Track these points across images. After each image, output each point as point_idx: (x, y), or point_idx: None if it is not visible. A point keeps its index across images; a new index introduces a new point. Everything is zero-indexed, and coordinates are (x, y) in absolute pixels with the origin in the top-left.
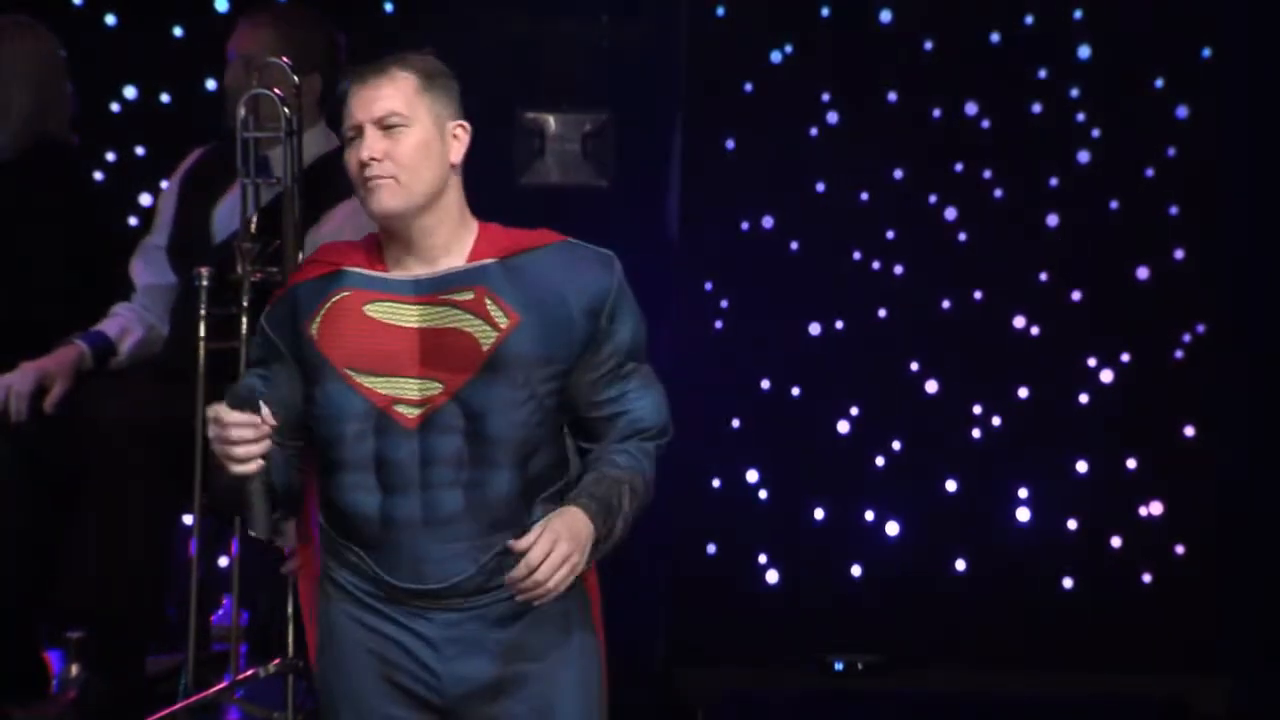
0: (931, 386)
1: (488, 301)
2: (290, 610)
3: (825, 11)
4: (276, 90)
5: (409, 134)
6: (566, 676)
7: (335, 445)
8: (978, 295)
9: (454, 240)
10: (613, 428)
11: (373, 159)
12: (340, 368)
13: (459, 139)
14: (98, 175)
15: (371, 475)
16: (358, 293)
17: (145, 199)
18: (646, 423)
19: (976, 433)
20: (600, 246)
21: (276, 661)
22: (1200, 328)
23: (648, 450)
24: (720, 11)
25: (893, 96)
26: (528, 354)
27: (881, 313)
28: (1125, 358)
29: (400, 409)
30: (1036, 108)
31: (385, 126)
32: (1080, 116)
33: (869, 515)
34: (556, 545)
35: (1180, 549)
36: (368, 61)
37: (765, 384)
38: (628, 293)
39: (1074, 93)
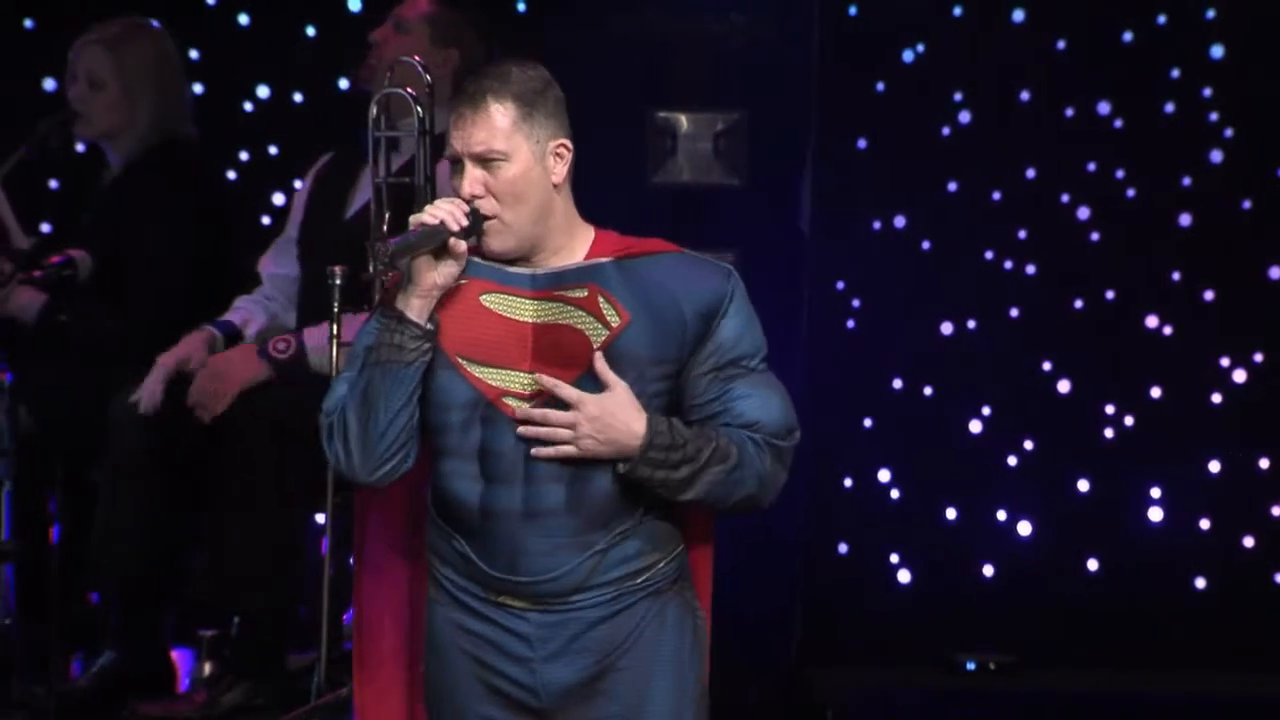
0: (1064, 386)
1: (600, 299)
2: None
3: (958, 11)
4: (409, 89)
5: (508, 168)
6: (661, 677)
7: (442, 432)
8: (1110, 295)
9: (566, 246)
10: (713, 426)
11: (474, 195)
12: (451, 354)
13: (561, 158)
14: (230, 175)
15: (474, 464)
16: (476, 282)
17: (278, 198)
18: (749, 417)
19: (1109, 432)
20: (732, 245)
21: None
22: None
23: (757, 440)
24: (853, 11)
25: (1025, 96)
26: (638, 353)
27: (1014, 312)
28: (1258, 357)
29: (508, 401)
30: (1169, 107)
31: (484, 161)
32: (1213, 116)
33: (1001, 515)
34: (581, 407)
35: None
36: (477, 75)
37: (897, 383)
38: (743, 300)
39: (1206, 92)
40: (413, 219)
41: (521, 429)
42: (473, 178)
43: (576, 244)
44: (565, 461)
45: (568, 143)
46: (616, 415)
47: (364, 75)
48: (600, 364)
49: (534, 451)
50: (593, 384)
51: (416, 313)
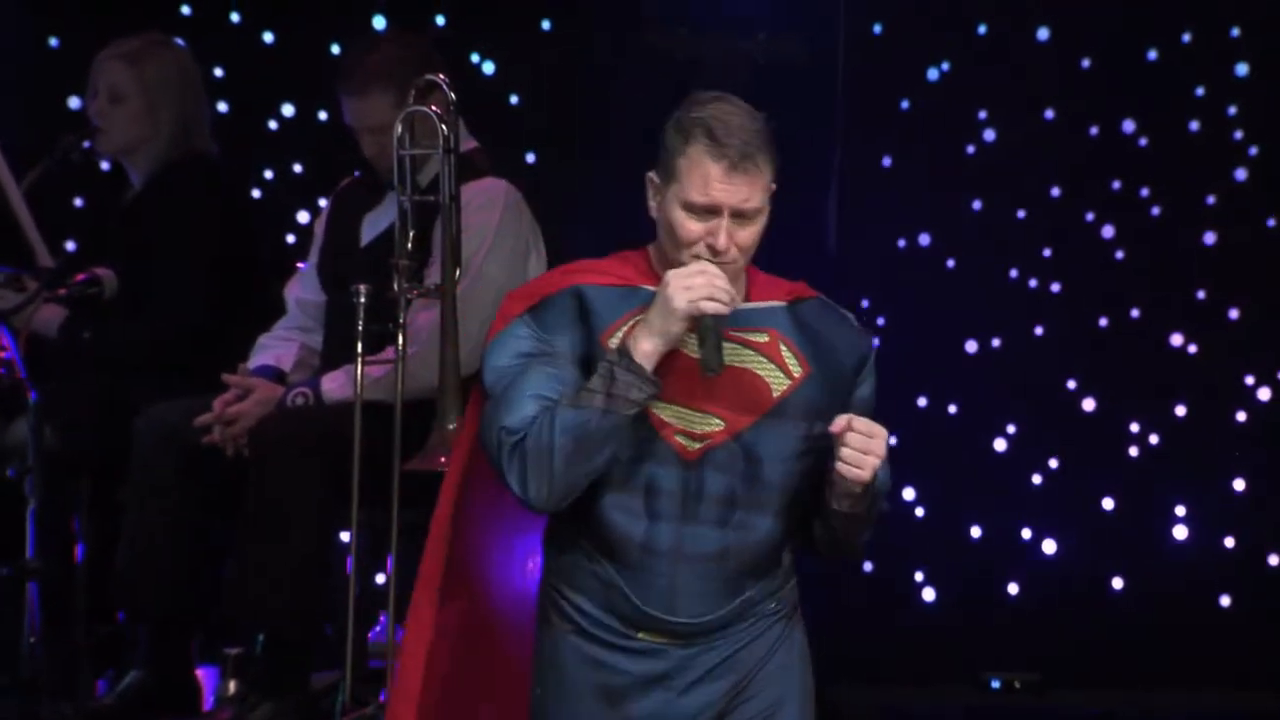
0: (1089, 404)
1: (782, 347)
2: None
3: (982, 29)
4: (434, 107)
5: (760, 222)
6: (790, 701)
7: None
8: (1135, 313)
9: (735, 282)
10: None
11: (725, 249)
12: None
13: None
14: (255, 193)
15: (639, 500)
16: None
17: (303, 216)
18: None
19: (1134, 450)
20: (756, 262)
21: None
22: None
23: (882, 502)
24: (877, 29)
25: (1050, 114)
26: (813, 405)
27: (1038, 330)
28: None
29: (680, 439)
30: (1194, 125)
31: (741, 215)
32: (1238, 134)
33: (1026, 533)
34: (875, 431)
35: None
36: (725, 120)
37: (922, 401)
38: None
39: (1231, 110)
40: (684, 290)
41: (850, 437)
42: (730, 228)
43: (741, 282)
44: (731, 507)
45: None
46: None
47: (380, 160)
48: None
49: (841, 469)
50: (765, 431)
51: (651, 365)
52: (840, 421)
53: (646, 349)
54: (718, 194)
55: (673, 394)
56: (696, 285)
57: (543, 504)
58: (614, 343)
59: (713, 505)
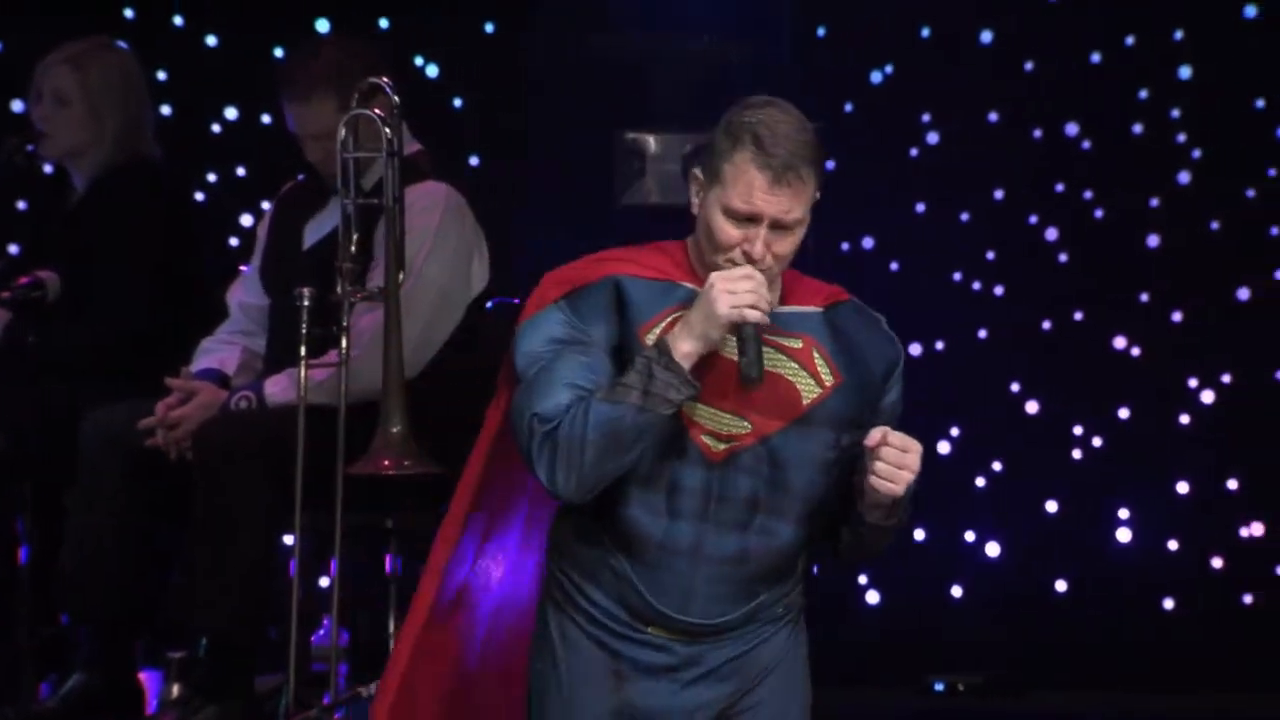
0: (1032, 407)
1: (815, 355)
2: (391, 630)
3: (925, 32)
4: (377, 111)
5: (799, 234)
6: (793, 704)
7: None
8: (1078, 316)
9: (771, 288)
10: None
11: (762, 258)
12: None
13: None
14: (198, 196)
15: (661, 497)
16: None
17: (246, 219)
18: None
19: (1077, 453)
20: None
21: (376, 683)
22: None
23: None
24: (821, 32)
25: (993, 117)
26: (843, 415)
27: (982, 333)
28: (1226, 378)
29: (706, 439)
30: (1137, 128)
31: (781, 225)
32: (1181, 137)
33: (969, 536)
34: (915, 453)
35: None
36: (772, 129)
37: None
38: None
39: (1174, 113)
40: (728, 296)
41: (885, 451)
42: (767, 236)
43: (778, 284)
44: (754, 510)
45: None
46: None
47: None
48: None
49: (874, 483)
50: (793, 438)
51: (690, 366)
52: (875, 435)
53: (686, 350)
54: (760, 204)
55: (703, 394)
56: (740, 291)
57: (570, 495)
58: (651, 339)
59: (735, 508)
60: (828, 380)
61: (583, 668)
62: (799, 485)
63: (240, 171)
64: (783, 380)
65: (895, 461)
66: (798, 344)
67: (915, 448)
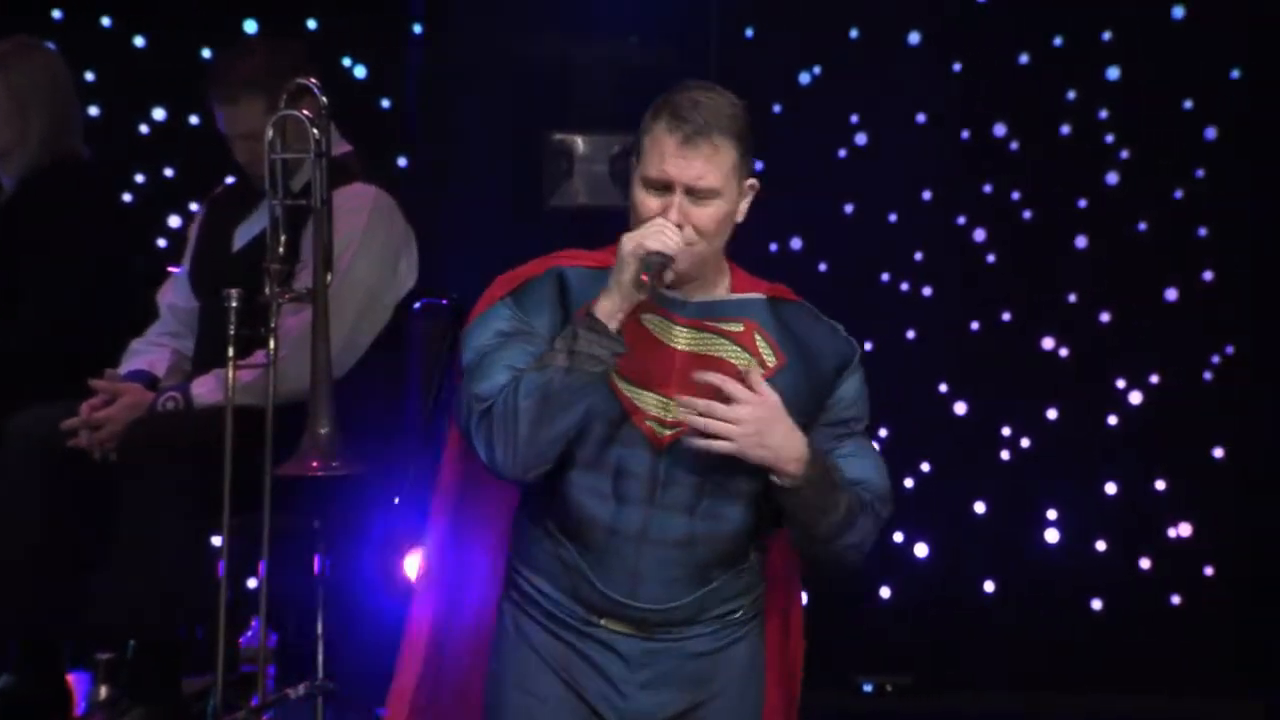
0: (960, 408)
1: (757, 337)
2: (319, 631)
3: (854, 33)
4: (305, 111)
5: (718, 205)
6: (747, 714)
7: (580, 442)
8: (1006, 316)
9: (714, 278)
10: None
11: (678, 225)
12: None
13: (746, 196)
14: (126, 197)
15: (607, 481)
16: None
17: (174, 221)
18: (856, 475)
19: (1005, 454)
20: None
21: (305, 684)
22: (1229, 349)
23: (864, 499)
24: (749, 33)
25: (921, 118)
26: (787, 398)
27: (910, 334)
28: (1154, 379)
29: (650, 425)
30: (1065, 129)
31: (693, 193)
32: (1109, 138)
33: (898, 537)
34: (749, 408)
35: (1209, 570)
36: (693, 98)
37: None
38: (862, 366)
39: (1103, 114)
40: (634, 238)
41: (682, 414)
42: (681, 204)
43: (722, 277)
44: (700, 494)
45: (756, 183)
46: (780, 422)
47: (253, 166)
48: (756, 378)
49: (688, 441)
50: None
51: (614, 324)
52: (714, 377)
53: (606, 306)
54: (670, 168)
55: (646, 381)
56: (646, 232)
57: (510, 470)
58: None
59: (681, 492)
60: (770, 361)
61: (536, 665)
62: (744, 469)
63: (168, 172)
64: (725, 365)
65: (704, 410)
66: (739, 328)
67: (748, 406)
